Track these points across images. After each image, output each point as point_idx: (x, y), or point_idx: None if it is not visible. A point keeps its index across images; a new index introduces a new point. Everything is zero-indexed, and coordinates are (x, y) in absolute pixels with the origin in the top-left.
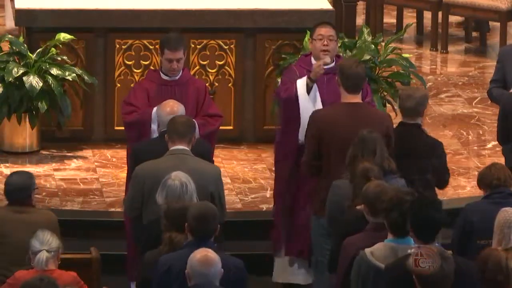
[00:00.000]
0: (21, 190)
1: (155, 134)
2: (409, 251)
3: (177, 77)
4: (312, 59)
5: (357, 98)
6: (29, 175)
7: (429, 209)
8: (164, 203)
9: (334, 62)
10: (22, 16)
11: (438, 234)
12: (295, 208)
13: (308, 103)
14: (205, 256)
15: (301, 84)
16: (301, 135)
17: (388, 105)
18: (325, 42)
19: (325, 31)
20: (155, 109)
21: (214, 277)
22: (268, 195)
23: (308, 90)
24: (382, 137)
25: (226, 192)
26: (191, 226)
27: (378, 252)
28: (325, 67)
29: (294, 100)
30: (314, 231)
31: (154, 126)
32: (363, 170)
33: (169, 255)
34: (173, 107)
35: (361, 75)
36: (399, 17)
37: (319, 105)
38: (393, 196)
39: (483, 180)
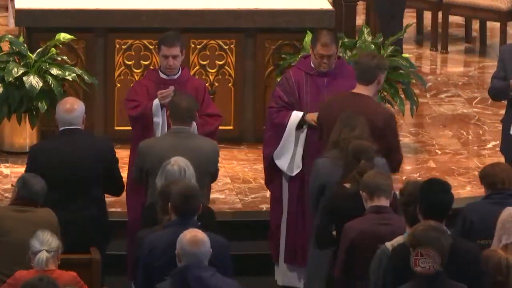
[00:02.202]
0: (44, 195)
1: (158, 128)
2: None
3: (176, 76)
4: (312, 63)
5: (364, 89)
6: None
7: (439, 191)
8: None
9: (333, 65)
10: (22, 16)
11: (447, 216)
12: (293, 217)
13: (290, 139)
14: (194, 237)
15: (294, 118)
16: (276, 155)
17: (388, 105)
18: (325, 61)
19: (324, 50)
20: (156, 100)
21: (204, 256)
22: (268, 195)
23: (299, 126)
24: (379, 130)
25: (226, 192)
26: (174, 205)
27: None
28: (325, 70)
29: (283, 128)
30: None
31: (156, 119)
32: (356, 150)
33: (153, 235)
34: (73, 105)
35: (370, 67)
36: None
37: (301, 146)
38: (411, 190)
39: (486, 179)
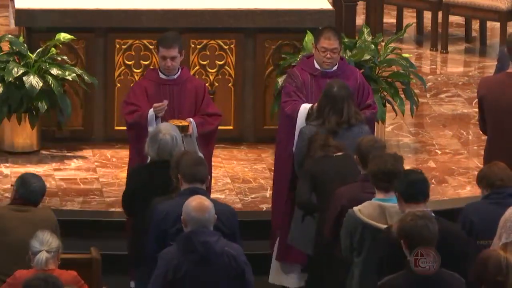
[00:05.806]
0: (43, 195)
1: None
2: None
3: (175, 76)
4: (315, 62)
5: None
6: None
7: (414, 173)
8: (156, 156)
9: (336, 66)
10: (22, 16)
11: (427, 198)
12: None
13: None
14: (200, 203)
15: (303, 110)
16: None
17: (388, 105)
18: (328, 55)
19: (328, 44)
20: (151, 111)
21: (208, 222)
22: (268, 195)
23: (308, 116)
24: None
25: (226, 192)
26: (184, 174)
27: (364, 209)
28: (327, 70)
29: (295, 119)
30: None
31: (150, 128)
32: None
33: (165, 203)
34: None
35: None
36: (399, 17)
37: None
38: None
39: (484, 180)
